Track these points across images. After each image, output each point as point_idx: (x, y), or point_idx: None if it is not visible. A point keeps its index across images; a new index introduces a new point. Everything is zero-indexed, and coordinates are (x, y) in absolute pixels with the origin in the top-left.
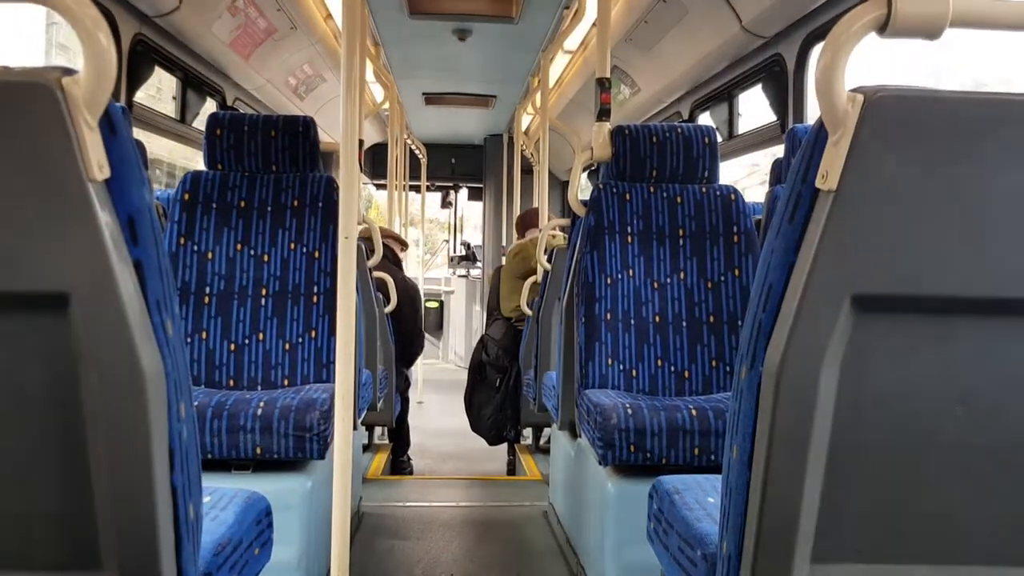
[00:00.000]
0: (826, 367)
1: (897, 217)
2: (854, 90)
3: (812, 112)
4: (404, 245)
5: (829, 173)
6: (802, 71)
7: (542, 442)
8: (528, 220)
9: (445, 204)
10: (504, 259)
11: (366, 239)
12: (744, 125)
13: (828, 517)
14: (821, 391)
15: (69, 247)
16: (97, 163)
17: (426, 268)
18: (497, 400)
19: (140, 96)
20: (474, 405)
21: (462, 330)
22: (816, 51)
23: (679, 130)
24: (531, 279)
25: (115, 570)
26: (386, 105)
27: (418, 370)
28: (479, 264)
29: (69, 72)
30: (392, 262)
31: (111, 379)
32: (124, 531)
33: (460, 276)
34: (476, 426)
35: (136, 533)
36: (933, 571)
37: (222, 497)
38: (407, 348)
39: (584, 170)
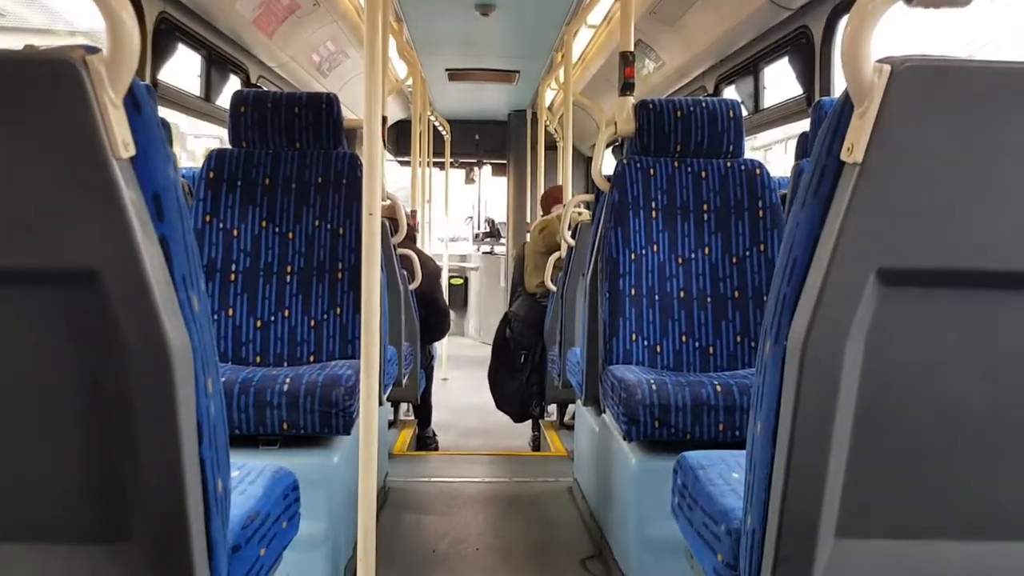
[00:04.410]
0: (851, 341)
1: (924, 189)
2: (880, 61)
3: (839, 85)
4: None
5: (855, 146)
6: (829, 43)
7: (567, 418)
8: (553, 196)
9: (469, 180)
10: (528, 235)
11: (390, 216)
12: (770, 99)
13: (853, 492)
14: (846, 365)
15: (95, 224)
16: (122, 141)
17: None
18: (522, 377)
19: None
20: (498, 382)
21: (486, 307)
22: (844, 23)
23: (703, 104)
24: (555, 255)
25: (145, 542)
26: (409, 81)
27: (442, 347)
28: (503, 241)
29: (92, 50)
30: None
31: (138, 354)
32: (153, 504)
33: (484, 252)
34: (501, 403)
35: (165, 506)
36: (959, 547)
37: (250, 472)
38: (428, 325)
39: (608, 145)
